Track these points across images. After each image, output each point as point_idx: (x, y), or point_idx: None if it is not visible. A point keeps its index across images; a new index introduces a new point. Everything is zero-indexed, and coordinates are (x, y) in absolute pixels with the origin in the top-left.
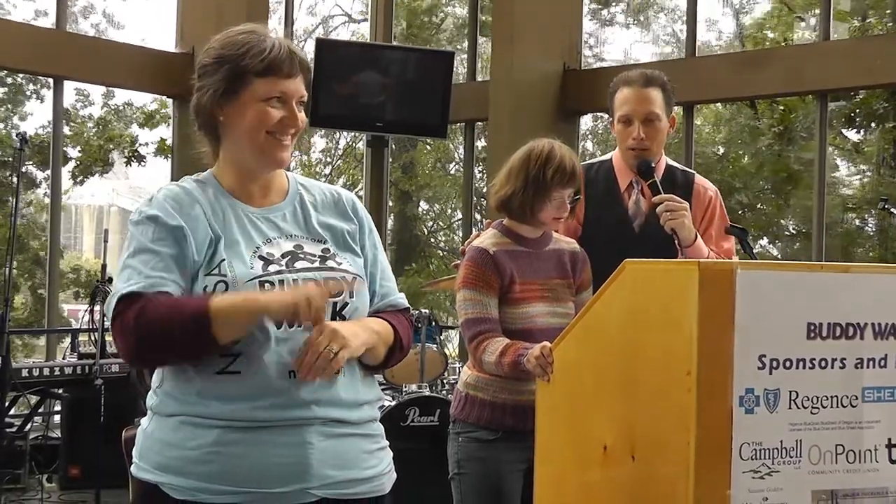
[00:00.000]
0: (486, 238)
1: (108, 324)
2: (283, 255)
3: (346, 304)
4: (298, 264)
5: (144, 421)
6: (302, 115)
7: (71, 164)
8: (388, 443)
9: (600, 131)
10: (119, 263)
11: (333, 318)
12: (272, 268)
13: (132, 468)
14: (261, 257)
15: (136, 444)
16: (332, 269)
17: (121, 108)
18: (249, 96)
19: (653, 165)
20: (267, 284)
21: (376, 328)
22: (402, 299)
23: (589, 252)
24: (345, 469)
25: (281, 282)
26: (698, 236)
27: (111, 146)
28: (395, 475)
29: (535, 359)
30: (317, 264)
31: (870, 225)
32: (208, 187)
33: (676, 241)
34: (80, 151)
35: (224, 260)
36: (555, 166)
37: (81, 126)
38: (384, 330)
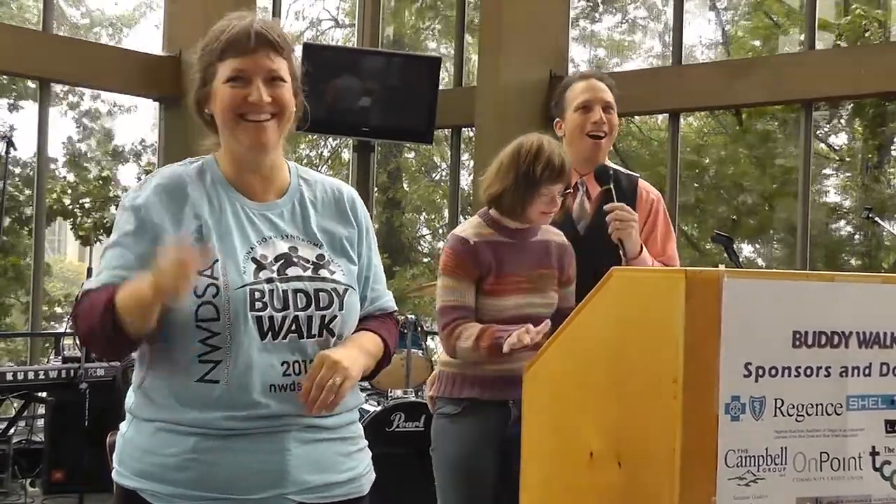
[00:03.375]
0: (468, 227)
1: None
2: (276, 259)
3: (335, 317)
4: (290, 271)
5: (123, 425)
6: (279, 92)
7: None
8: (367, 443)
9: None
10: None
11: (322, 332)
12: (263, 274)
13: (113, 473)
14: (254, 259)
15: (115, 449)
16: (323, 279)
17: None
18: (217, 82)
19: (611, 172)
20: (257, 293)
21: (371, 349)
22: (390, 302)
23: None
24: (322, 473)
25: (271, 291)
26: (643, 248)
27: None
28: (374, 475)
29: (518, 335)
30: (309, 273)
31: (856, 234)
32: (207, 174)
33: (622, 252)
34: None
35: (218, 261)
36: (544, 163)
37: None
38: (376, 349)
